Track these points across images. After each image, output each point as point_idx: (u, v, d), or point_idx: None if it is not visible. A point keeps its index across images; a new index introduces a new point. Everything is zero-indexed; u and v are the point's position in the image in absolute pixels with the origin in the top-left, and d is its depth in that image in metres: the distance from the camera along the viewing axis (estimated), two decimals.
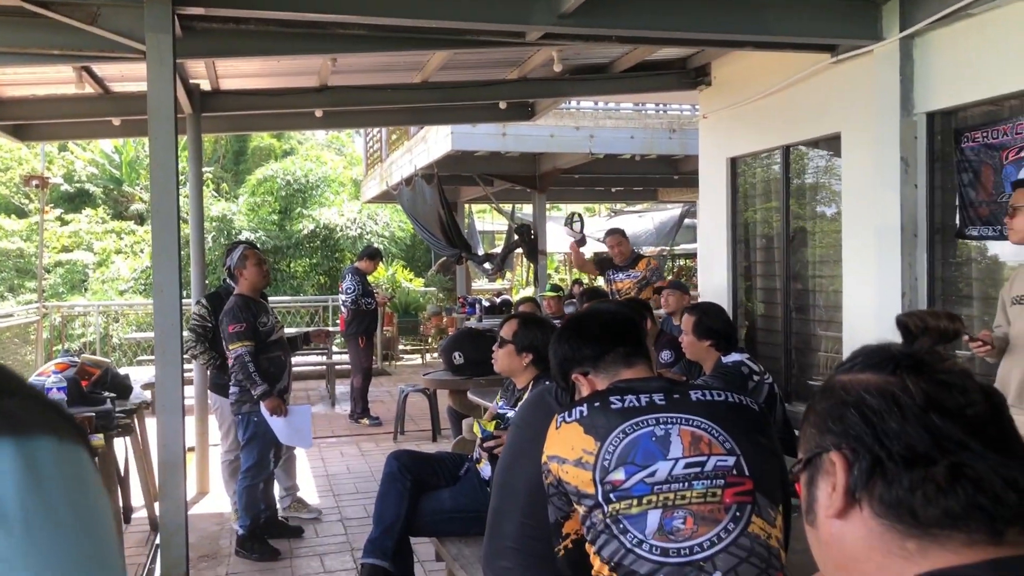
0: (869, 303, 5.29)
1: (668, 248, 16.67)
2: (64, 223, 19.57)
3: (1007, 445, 0.83)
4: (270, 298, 5.68)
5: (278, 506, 5.42)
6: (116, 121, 7.27)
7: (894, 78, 4.94)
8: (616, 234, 7.38)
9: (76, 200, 20.87)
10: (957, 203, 4.74)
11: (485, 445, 3.37)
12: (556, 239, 15.47)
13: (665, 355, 5.04)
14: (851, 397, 0.88)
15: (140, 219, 20.60)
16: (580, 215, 7.83)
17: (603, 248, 8.33)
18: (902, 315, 0.98)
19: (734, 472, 1.85)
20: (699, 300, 6.65)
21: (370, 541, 3.54)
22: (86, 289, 17.93)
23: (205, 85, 6.71)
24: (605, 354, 2.13)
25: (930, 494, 0.81)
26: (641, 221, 16.72)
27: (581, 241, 7.44)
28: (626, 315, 2.27)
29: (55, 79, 6.25)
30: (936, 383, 0.86)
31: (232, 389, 5.02)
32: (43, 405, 0.57)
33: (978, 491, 0.80)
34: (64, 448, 0.55)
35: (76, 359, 5.18)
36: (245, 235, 18.24)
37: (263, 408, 4.87)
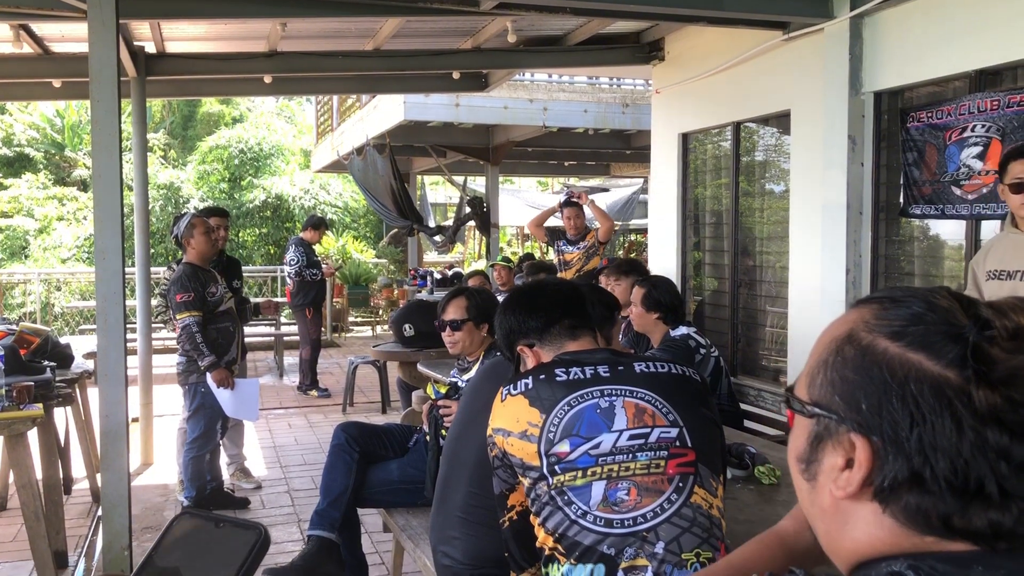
0: (814, 279, 5.38)
1: (621, 223, 16.75)
2: (3, 187, 18.99)
3: None
4: (244, 266, 5.62)
5: (223, 476, 5.38)
6: (56, 83, 7.05)
7: (843, 57, 5.00)
8: (574, 207, 7.38)
9: (16, 164, 20.24)
10: (902, 182, 4.83)
11: (437, 403, 3.37)
12: (509, 211, 15.46)
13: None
14: (896, 384, 0.74)
15: (83, 185, 20.06)
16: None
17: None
18: (984, 308, 0.76)
19: (677, 443, 1.87)
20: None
21: (316, 513, 3.52)
22: (27, 256, 17.45)
23: (150, 47, 6.53)
24: (551, 326, 2.13)
25: (976, 512, 0.71)
26: (596, 200, 16.74)
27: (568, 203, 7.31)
28: (572, 287, 2.27)
29: None
30: (1006, 399, 0.71)
31: (179, 359, 4.96)
32: None
33: None
34: None
35: (14, 327, 5.05)
36: (194, 203, 17.90)
37: (209, 380, 4.81)
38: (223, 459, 5.45)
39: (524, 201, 18.00)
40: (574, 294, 2.21)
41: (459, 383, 3.71)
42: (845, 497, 0.78)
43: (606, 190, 17.87)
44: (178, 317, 4.81)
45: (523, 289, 2.32)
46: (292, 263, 8.59)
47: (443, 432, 3.20)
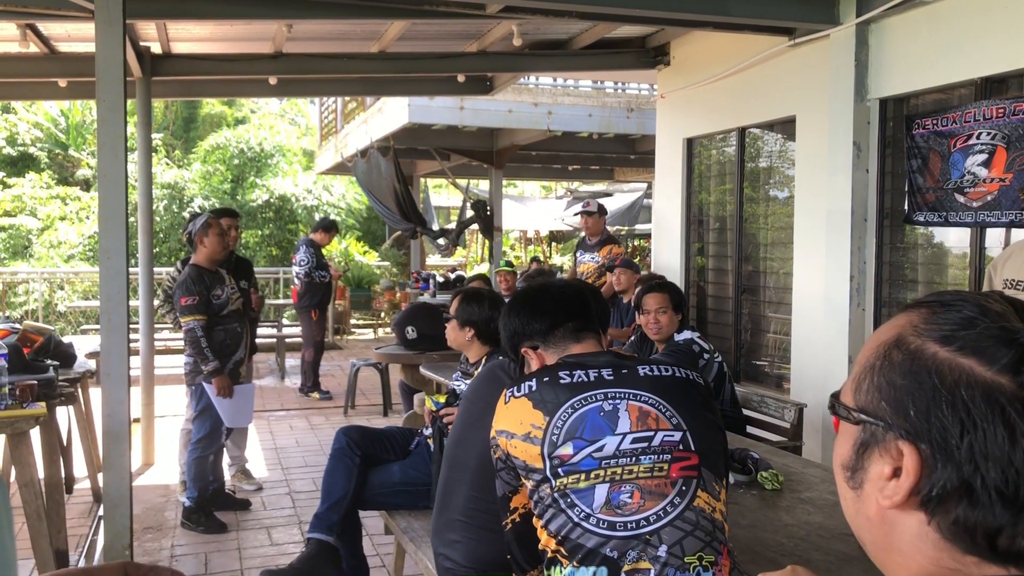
0: (818, 285, 5.38)
1: (624, 228, 16.76)
2: (6, 187, 19.02)
3: None
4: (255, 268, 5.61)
5: (225, 477, 5.38)
6: (62, 83, 7.06)
7: (849, 63, 5.00)
8: (590, 214, 7.19)
9: (19, 164, 20.25)
10: (906, 189, 4.83)
11: (440, 413, 3.36)
12: (512, 215, 15.47)
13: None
14: (946, 389, 0.71)
15: (86, 185, 20.09)
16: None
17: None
18: None
19: (680, 447, 1.86)
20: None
21: (316, 516, 3.52)
22: (30, 255, 17.47)
23: (156, 48, 6.54)
24: (555, 328, 2.13)
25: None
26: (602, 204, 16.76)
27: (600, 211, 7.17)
28: (576, 289, 2.27)
29: None
30: None
31: (186, 359, 4.95)
32: None
33: None
34: None
35: (18, 326, 5.05)
36: (198, 203, 17.92)
37: (209, 387, 4.80)
38: (224, 460, 5.45)
39: (530, 208, 17.98)
40: (578, 297, 2.20)
41: (457, 390, 3.72)
42: (892, 507, 0.75)
43: (610, 195, 17.88)
44: (183, 320, 4.80)
45: (528, 291, 2.31)
46: (302, 264, 8.56)
47: None
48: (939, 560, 0.73)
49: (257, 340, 10.64)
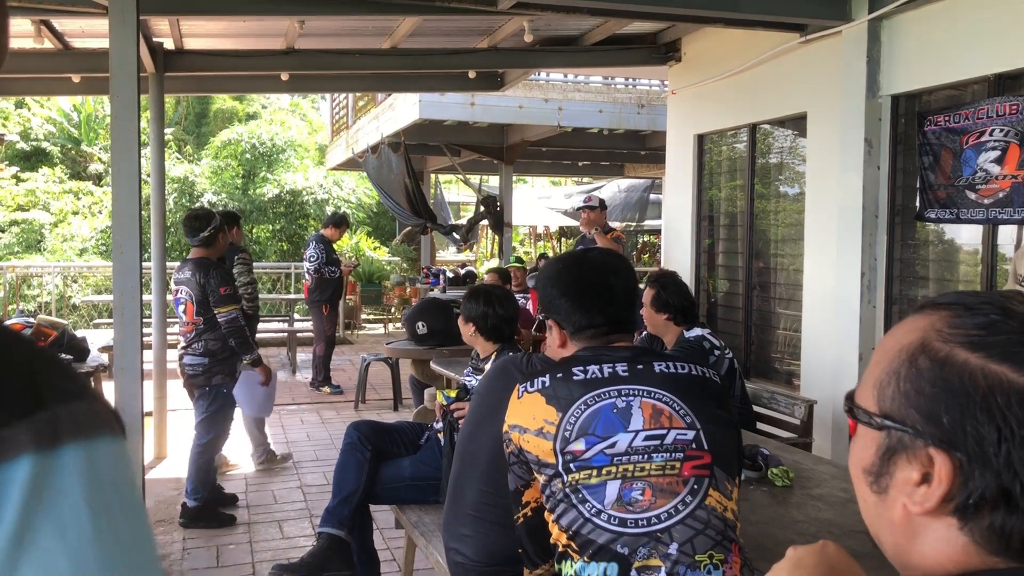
0: (829, 282, 5.37)
1: (632, 223, 16.72)
2: (20, 181, 19.13)
3: None
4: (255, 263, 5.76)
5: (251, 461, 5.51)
6: (76, 78, 7.11)
7: (861, 59, 4.99)
8: (591, 209, 7.17)
9: (32, 158, 20.37)
10: (918, 186, 4.81)
11: (450, 407, 3.39)
12: (522, 211, 15.48)
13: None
14: (980, 397, 0.71)
15: (98, 180, 20.20)
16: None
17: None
18: None
19: (693, 446, 1.87)
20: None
21: (327, 511, 3.54)
22: (43, 249, 17.57)
23: (169, 44, 6.57)
24: (591, 328, 2.04)
25: None
26: (607, 191, 16.73)
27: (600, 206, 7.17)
28: (631, 289, 2.12)
29: (12, 32, 6.07)
30: None
31: (198, 359, 4.74)
32: (100, 401, 0.56)
33: None
34: (116, 444, 0.54)
35: (32, 320, 5.10)
36: (208, 197, 17.98)
37: (244, 379, 4.79)
38: (249, 448, 5.54)
39: (529, 197, 17.90)
40: (629, 303, 2.10)
41: (468, 385, 3.74)
42: (922, 513, 0.74)
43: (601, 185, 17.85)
44: (222, 310, 4.63)
45: (586, 278, 2.11)
46: (312, 259, 8.57)
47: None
48: (967, 563, 0.73)
49: (268, 335, 10.70)
